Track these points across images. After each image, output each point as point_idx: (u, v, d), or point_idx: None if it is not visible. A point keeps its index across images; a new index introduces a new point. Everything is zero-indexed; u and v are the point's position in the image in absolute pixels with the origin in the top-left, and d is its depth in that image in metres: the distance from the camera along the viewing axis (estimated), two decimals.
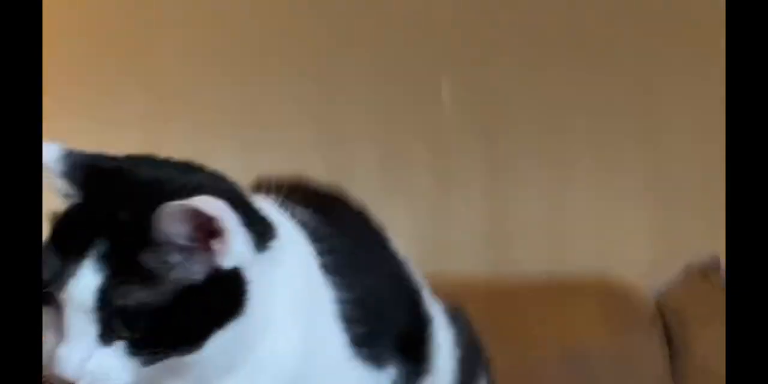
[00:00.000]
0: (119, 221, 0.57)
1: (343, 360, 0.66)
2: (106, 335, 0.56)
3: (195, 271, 0.57)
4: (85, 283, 0.55)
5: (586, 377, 1.57)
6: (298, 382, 0.64)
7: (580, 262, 1.73)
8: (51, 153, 0.61)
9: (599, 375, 1.58)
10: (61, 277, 0.56)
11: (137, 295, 0.55)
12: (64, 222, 0.59)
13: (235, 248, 0.58)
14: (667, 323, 1.71)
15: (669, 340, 1.71)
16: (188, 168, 0.66)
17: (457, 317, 0.85)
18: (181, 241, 0.57)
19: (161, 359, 0.56)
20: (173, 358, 0.57)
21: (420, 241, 1.55)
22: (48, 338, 0.58)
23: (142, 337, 0.55)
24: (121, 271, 0.56)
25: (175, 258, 0.57)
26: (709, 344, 1.68)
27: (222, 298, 0.58)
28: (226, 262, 0.58)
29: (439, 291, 0.89)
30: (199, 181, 0.62)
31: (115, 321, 0.55)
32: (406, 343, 0.71)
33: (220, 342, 0.57)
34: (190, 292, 0.57)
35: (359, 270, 0.70)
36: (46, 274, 0.56)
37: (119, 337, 0.56)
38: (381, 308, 0.70)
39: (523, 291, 1.63)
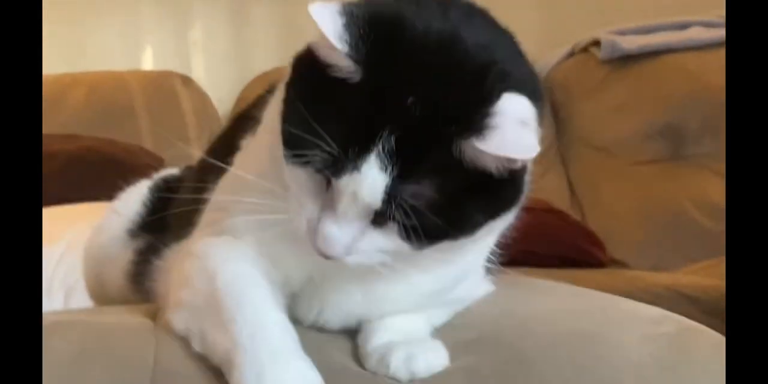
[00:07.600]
0: (410, 110, 0.50)
1: None
2: (381, 220, 0.52)
3: (487, 167, 0.52)
4: (371, 181, 0.50)
5: None
6: None
7: None
8: (328, 16, 0.51)
9: None
10: (341, 165, 0.51)
11: (426, 195, 0.51)
12: (341, 98, 0.51)
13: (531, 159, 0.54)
14: (555, 99, 1.90)
15: (555, 113, 1.91)
16: (485, 29, 0.55)
17: None
18: (484, 164, 0.52)
19: (433, 244, 0.53)
20: (444, 242, 0.54)
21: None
22: (304, 201, 0.54)
23: (420, 224, 0.51)
24: (412, 169, 0.50)
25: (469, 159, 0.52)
26: (589, 118, 1.91)
27: (508, 189, 0.54)
28: (520, 165, 0.54)
29: None
30: (504, 68, 0.53)
31: (395, 213, 0.51)
32: None
33: (487, 228, 0.55)
34: (475, 187, 0.52)
35: None
36: (313, 149, 0.51)
37: (394, 221, 0.52)
38: None
39: None
